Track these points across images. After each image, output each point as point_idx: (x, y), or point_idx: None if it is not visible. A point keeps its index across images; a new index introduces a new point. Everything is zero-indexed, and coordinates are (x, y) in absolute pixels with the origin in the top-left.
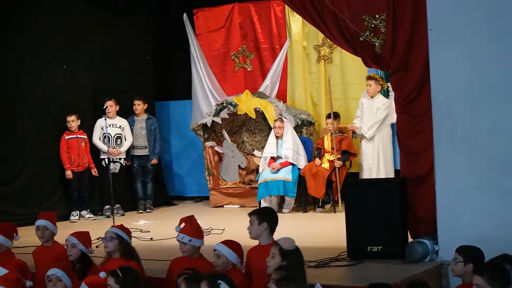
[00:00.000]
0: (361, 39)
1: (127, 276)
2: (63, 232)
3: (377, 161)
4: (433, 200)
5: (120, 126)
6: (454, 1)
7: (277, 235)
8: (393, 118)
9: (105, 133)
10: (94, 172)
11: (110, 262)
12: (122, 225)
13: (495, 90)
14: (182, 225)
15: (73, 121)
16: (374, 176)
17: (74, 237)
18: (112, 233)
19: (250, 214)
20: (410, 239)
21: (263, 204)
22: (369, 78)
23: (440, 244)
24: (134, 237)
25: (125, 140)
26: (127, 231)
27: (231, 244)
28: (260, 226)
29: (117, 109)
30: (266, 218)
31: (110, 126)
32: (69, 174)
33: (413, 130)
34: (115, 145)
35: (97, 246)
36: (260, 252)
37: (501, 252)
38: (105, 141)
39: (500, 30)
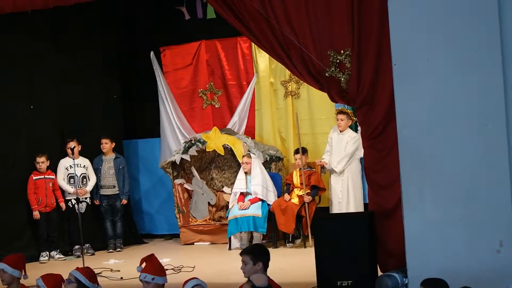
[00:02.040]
0: (326, 74)
1: None
2: (33, 273)
3: (347, 195)
4: (401, 233)
5: (84, 165)
6: (418, 37)
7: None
8: (362, 152)
9: (70, 174)
10: (63, 206)
11: None
12: (87, 267)
13: (460, 124)
14: (143, 264)
15: (43, 162)
16: (344, 210)
17: (41, 280)
18: (72, 276)
19: (242, 254)
20: (379, 273)
21: (233, 240)
22: (340, 112)
23: (409, 277)
24: (104, 276)
25: (89, 179)
26: (90, 274)
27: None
28: (255, 266)
29: (80, 149)
30: (260, 257)
31: (75, 166)
32: (36, 214)
33: (380, 164)
34: (81, 185)
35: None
36: None
37: (469, 284)
38: (71, 182)
39: (465, 64)
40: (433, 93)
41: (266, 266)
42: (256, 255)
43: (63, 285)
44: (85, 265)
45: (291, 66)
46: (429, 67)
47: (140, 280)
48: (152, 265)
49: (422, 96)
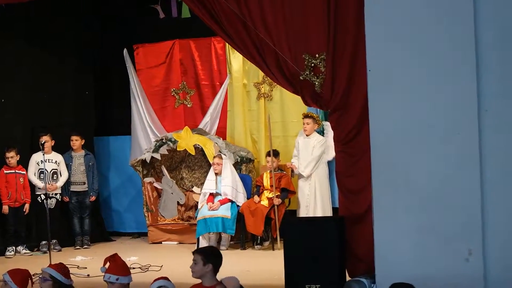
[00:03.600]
0: (301, 78)
1: None
2: None
3: (314, 199)
4: (371, 239)
5: (56, 161)
6: (393, 44)
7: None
8: (329, 155)
9: (41, 169)
10: (26, 209)
11: None
12: (60, 263)
13: (433, 132)
14: (107, 264)
15: (12, 157)
16: (311, 214)
17: (7, 275)
18: (46, 274)
19: (194, 253)
20: (348, 278)
21: (202, 241)
22: (306, 116)
23: (377, 283)
24: (71, 273)
25: (61, 175)
26: (64, 270)
27: (167, 279)
28: (204, 267)
29: (53, 144)
30: (211, 259)
31: (46, 161)
32: (5, 209)
33: (352, 169)
34: (51, 181)
35: (32, 283)
36: None
37: None
38: (41, 177)
39: (440, 72)
40: (407, 100)
41: (216, 269)
42: (207, 256)
43: (30, 281)
44: (52, 261)
45: (265, 68)
46: (403, 74)
47: (105, 280)
48: (115, 265)
49: (396, 103)
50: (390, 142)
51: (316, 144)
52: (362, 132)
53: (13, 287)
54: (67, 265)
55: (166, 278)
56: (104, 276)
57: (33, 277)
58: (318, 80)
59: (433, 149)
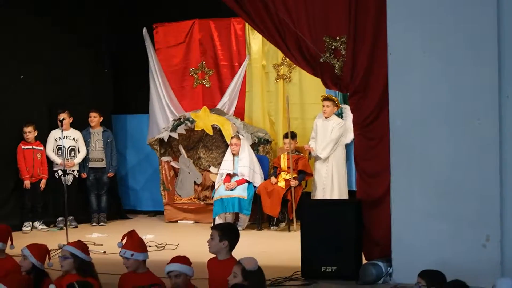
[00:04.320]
0: (321, 60)
1: None
2: (16, 242)
3: (331, 181)
4: (388, 223)
5: (74, 138)
6: (414, 28)
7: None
8: (347, 138)
9: (59, 145)
10: (42, 184)
11: (66, 277)
12: (79, 241)
13: (452, 117)
14: (124, 240)
15: (30, 132)
16: (327, 197)
17: (27, 249)
18: (66, 252)
19: (212, 228)
20: (364, 261)
21: (218, 220)
22: (326, 99)
23: (394, 267)
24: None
25: (79, 152)
26: (83, 247)
27: (184, 260)
28: (220, 243)
29: (71, 121)
30: (227, 236)
31: (64, 138)
32: (27, 183)
33: (370, 153)
34: (69, 157)
35: (50, 258)
36: (218, 266)
37: (453, 277)
38: (59, 153)
39: (459, 57)
40: (427, 85)
41: (231, 245)
42: (224, 233)
43: (47, 257)
44: (68, 237)
45: (285, 50)
46: (424, 59)
47: (120, 255)
48: (132, 241)
49: (416, 88)
50: (409, 126)
51: (334, 126)
52: (382, 116)
53: (32, 261)
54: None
55: (184, 258)
56: (120, 251)
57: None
58: (338, 62)
59: (452, 134)
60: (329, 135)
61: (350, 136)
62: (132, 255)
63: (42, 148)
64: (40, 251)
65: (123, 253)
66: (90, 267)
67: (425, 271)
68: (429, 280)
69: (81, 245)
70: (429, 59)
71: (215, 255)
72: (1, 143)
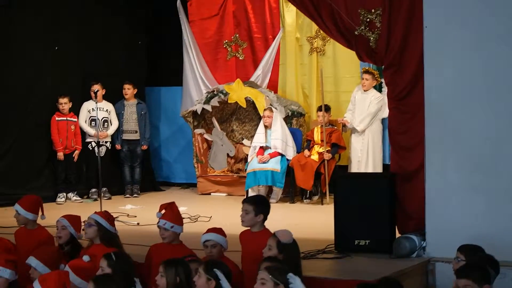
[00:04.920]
0: (356, 33)
1: (120, 261)
2: (50, 213)
3: (366, 154)
4: (422, 197)
5: (107, 109)
6: (451, 1)
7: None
8: (385, 112)
9: (92, 117)
10: (75, 155)
11: (92, 247)
12: (105, 211)
13: (488, 91)
14: (163, 211)
15: (65, 103)
16: (362, 170)
17: (65, 219)
18: (91, 220)
19: (244, 202)
20: (398, 235)
21: (251, 193)
22: (366, 72)
23: (427, 241)
24: (121, 221)
25: (111, 124)
26: (109, 218)
27: (221, 231)
28: (256, 217)
29: (104, 93)
30: (262, 209)
31: (97, 110)
32: (60, 155)
33: (405, 126)
34: (102, 129)
35: (82, 229)
36: (252, 238)
37: (487, 252)
38: (92, 124)
39: (495, 32)
40: (463, 59)
41: (265, 218)
42: (258, 207)
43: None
44: (102, 209)
45: (320, 22)
46: (461, 32)
47: (159, 226)
48: (172, 213)
49: (452, 61)
50: (444, 100)
51: (373, 100)
52: (416, 89)
53: (71, 231)
54: (117, 213)
55: (220, 230)
56: (158, 221)
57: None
58: (373, 35)
59: (487, 109)
60: (367, 108)
61: (387, 110)
62: (172, 227)
63: (76, 119)
64: (77, 221)
65: (163, 224)
66: (114, 238)
67: (464, 246)
68: (468, 254)
69: (107, 216)
70: (465, 33)
71: (248, 228)
72: (35, 115)
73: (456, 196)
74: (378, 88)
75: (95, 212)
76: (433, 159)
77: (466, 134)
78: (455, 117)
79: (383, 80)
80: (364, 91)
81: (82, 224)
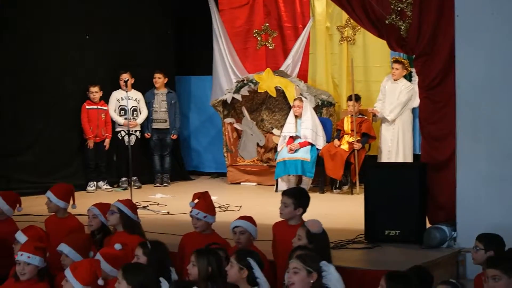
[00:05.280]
0: (386, 22)
1: (155, 249)
2: (80, 202)
3: (397, 144)
4: (453, 187)
5: (136, 98)
6: None
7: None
8: (415, 102)
9: (121, 106)
10: (106, 143)
11: (116, 234)
12: (128, 199)
13: None
14: (196, 201)
15: (96, 92)
16: (392, 160)
17: (96, 208)
18: (114, 207)
19: (284, 195)
20: (428, 225)
21: (280, 182)
22: (396, 61)
23: (458, 231)
24: (151, 210)
25: (140, 113)
26: (132, 206)
27: (251, 220)
28: (295, 210)
29: (133, 82)
30: (302, 202)
31: (127, 99)
32: (91, 143)
33: (436, 116)
34: (131, 117)
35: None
36: (288, 230)
37: None
38: (121, 113)
39: None
40: (495, 47)
41: (304, 212)
42: (298, 200)
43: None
44: (132, 198)
45: (350, 11)
46: (493, 21)
47: (191, 215)
48: (205, 203)
49: (484, 50)
50: (475, 90)
51: (403, 89)
52: (447, 79)
53: (102, 220)
54: (147, 202)
55: (251, 218)
56: (192, 211)
57: None
58: (404, 24)
59: None
60: (397, 97)
61: (418, 100)
62: (205, 217)
63: (106, 108)
64: (107, 210)
65: (196, 214)
66: (137, 226)
67: (483, 235)
68: (487, 243)
69: (130, 204)
70: (497, 21)
71: (281, 220)
72: (66, 104)
73: (487, 186)
74: (408, 78)
75: (118, 200)
76: (464, 149)
77: (497, 123)
78: (486, 106)
79: (413, 70)
80: (394, 80)
81: None
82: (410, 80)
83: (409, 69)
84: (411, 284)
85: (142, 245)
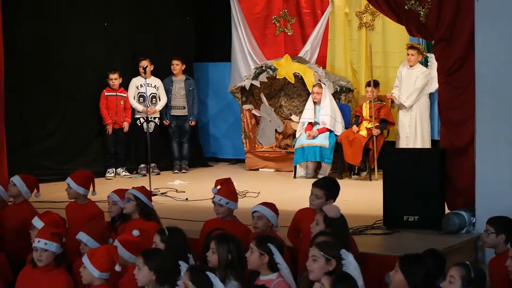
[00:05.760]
0: (406, 7)
1: (173, 236)
2: (99, 188)
3: (414, 130)
4: (471, 172)
5: (155, 85)
6: None
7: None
8: (432, 87)
9: (140, 92)
10: (125, 127)
11: (131, 221)
12: (142, 186)
13: None
14: (218, 187)
15: (115, 79)
16: (410, 145)
17: (115, 195)
18: (130, 194)
19: (316, 187)
20: (447, 210)
21: (299, 169)
22: (411, 47)
23: (477, 217)
24: (170, 196)
25: (159, 100)
26: (147, 193)
27: (271, 206)
28: (327, 202)
29: (152, 69)
30: (333, 194)
31: (146, 86)
32: (109, 129)
33: (455, 101)
34: (150, 104)
35: None
36: (314, 218)
37: None
38: (140, 100)
39: None
40: None
41: (334, 202)
42: (330, 192)
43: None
44: (151, 184)
45: None
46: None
47: (214, 202)
48: (228, 189)
49: (504, 35)
50: (495, 75)
51: (419, 75)
52: (467, 64)
53: (121, 206)
54: (165, 189)
55: (271, 205)
56: (214, 197)
57: None
58: (423, 10)
59: None
60: (414, 83)
61: (434, 85)
62: (227, 203)
63: (125, 95)
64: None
65: (218, 200)
66: (152, 212)
67: (493, 218)
68: (497, 226)
69: (145, 191)
70: None
71: (306, 206)
72: (86, 90)
73: (506, 171)
74: (424, 63)
75: (133, 187)
76: (483, 134)
77: None
78: (506, 91)
79: (428, 54)
80: (410, 66)
81: None
82: (426, 65)
83: (425, 53)
84: (426, 265)
85: (160, 232)
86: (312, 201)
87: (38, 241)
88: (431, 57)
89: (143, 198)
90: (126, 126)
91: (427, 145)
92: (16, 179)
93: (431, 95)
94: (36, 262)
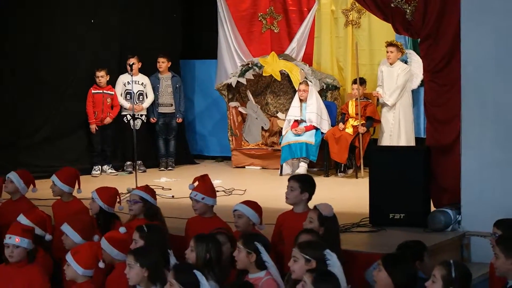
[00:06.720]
0: (392, 5)
1: (152, 232)
2: (85, 186)
3: (398, 128)
4: (457, 170)
5: (142, 83)
6: None
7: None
8: (414, 84)
9: (127, 90)
10: (107, 121)
11: (134, 221)
12: (146, 185)
13: None
14: (196, 183)
15: (102, 77)
16: (394, 143)
17: (95, 192)
18: (136, 196)
19: (291, 179)
20: (433, 208)
21: (285, 166)
22: (390, 45)
23: (463, 215)
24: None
25: (147, 97)
26: (151, 192)
27: (252, 205)
28: (301, 195)
29: (139, 66)
30: (308, 188)
31: (132, 83)
32: (92, 128)
33: (441, 99)
34: (137, 102)
35: (120, 202)
36: (295, 219)
37: None
38: (127, 98)
39: None
40: (501, 30)
41: (310, 198)
42: (305, 185)
43: (118, 199)
44: (137, 182)
45: None
46: (499, 3)
47: (190, 197)
48: (204, 185)
49: (490, 33)
50: (481, 73)
51: (400, 72)
52: (453, 62)
53: (99, 204)
54: (152, 186)
55: (253, 203)
56: (191, 193)
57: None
58: (409, 7)
59: None
60: (395, 81)
61: (416, 82)
62: (202, 198)
63: (113, 92)
64: (109, 194)
65: (194, 196)
66: (157, 212)
67: (501, 220)
68: (505, 229)
69: (150, 190)
70: (503, 3)
71: (290, 209)
72: (73, 88)
73: (492, 169)
74: (404, 61)
75: (137, 188)
76: (469, 132)
77: (503, 107)
78: (492, 89)
79: (408, 51)
80: (390, 64)
81: (124, 197)
82: (406, 63)
83: (404, 51)
84: (407, 262)
85: (139, 229)
86: (288, 194)
87: (9, 238)
88: (411, 54)
89: (149, 198)
90: (108, 120)
91: (411, 142)
92: (13, 176)
93: (413, 92)
94: (8, 258)
